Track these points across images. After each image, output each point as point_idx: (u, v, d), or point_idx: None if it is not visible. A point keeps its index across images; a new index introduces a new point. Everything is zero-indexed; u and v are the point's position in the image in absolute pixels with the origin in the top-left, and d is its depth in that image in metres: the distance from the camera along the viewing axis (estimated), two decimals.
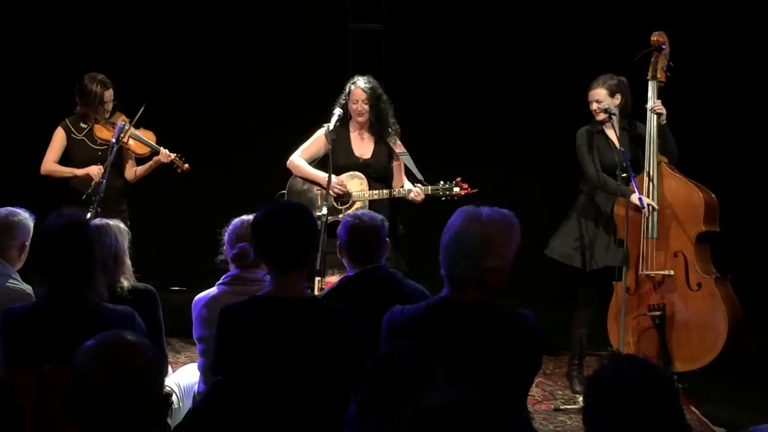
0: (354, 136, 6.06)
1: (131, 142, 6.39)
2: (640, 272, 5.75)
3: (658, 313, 5.71)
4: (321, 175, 5.99)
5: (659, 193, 5.77)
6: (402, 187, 6.01)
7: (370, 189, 5.96)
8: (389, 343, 3.13)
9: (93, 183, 6.17)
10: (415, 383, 2.62)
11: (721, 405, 5.66)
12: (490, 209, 3.12)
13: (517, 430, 1.90)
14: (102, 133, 6.37)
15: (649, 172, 5.77)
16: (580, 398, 5.70)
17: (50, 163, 6.41)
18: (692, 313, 5.70)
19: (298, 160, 6.10)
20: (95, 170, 6.24)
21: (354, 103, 5.99)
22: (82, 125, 6.40)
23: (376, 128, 6.04)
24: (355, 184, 5.97)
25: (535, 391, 5.84)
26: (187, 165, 6.46)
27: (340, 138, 6.01)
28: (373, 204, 5.86)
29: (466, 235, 3.06)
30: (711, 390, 5.84)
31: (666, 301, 5.73)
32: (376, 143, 6.06)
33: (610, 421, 2.21)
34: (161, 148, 6.42)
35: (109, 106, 6.39)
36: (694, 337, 5.68)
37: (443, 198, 5.85)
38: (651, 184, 5.75)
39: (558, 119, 6.34)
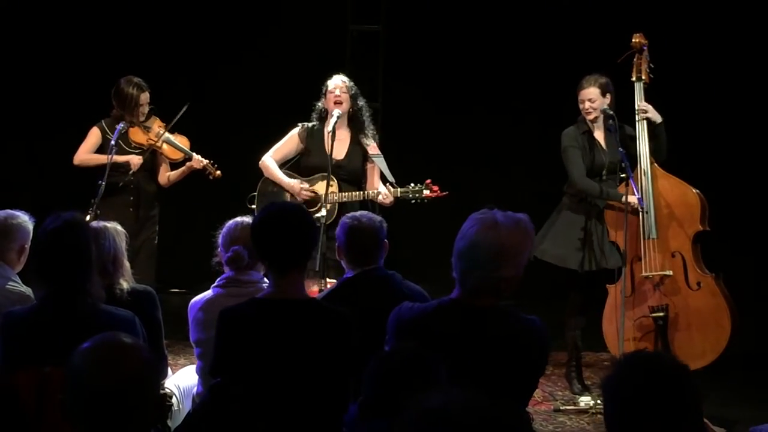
0: (329, 136, 6.04)
1: (165, 146, 6.42)
2: (641, 273, 5.74)
3: (661, 314, 5.69)
4: (287, 182, 6.04)
5: (654, 193, 5.76)
6: (374, 189, 5.95)
7: (340, 191, 5.91)
8: (395, 339, 3.13)
9: (131, 173, 6.23)
10: (417, 384, 2.62)
11: (721, 405, 5.66)
12: (504, 216, 3.07)
13: (518, 431, 1.90)
14: (137, 136, 6.38)
15: (641, 173, 5.77)
16: (580, 399, 5.72)
17: (84, 153, 6.39)
18: (694, 312, 5.70)
19: (269, 161, 6.12)
20: (135, 159, 6.27)
21: (331, 93, 6.00)
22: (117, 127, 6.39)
23: (354, 127, 6.03)
24: (323, 186, 5.91)
25: (534, 392, 5.83)
26: (219, 172, 6.49)
27: (315, 138, 6.00)
28: (342, 207, 5.80)
29: (481, 245, 3.03)
30: (711, 390, 5.84)
31: (668, 302, 5.72)
32: (350, 144, 6.05)
33: (633, 412, 2.20)
34: (194, 154, 6.44)
35: (145, 109, 6.41)
36: (697, 335, 5.68)
37: (413, 201, 5.79)
38: (647, 183, 5.75)
39: (556, 120, 6.33)
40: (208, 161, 6.45)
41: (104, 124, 6.43)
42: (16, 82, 8.46)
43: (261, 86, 8.53)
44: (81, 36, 8.37)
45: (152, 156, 6.41)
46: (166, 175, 6.56)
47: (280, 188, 6.09)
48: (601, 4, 8.06)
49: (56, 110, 8.26)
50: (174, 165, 6.56)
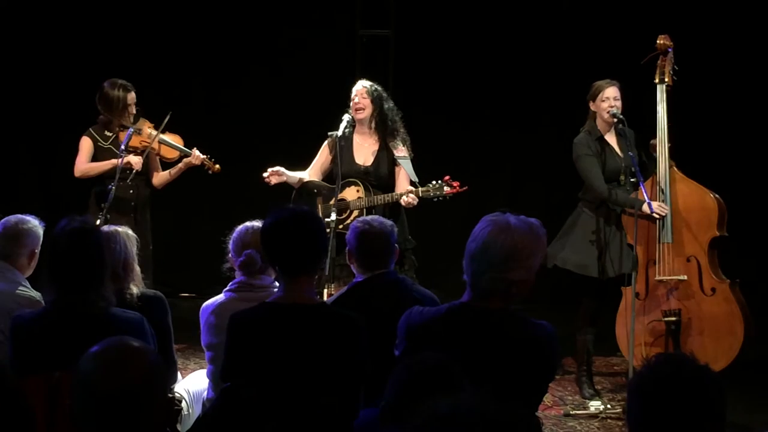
0: (357, 143, 6.00)
1: (160, 147, 6.34)
2: (656, 277, 5.72)
3: (674, 318, 5.68)
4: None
5: (672, 197, 5.75)
6: (404, 192, 5.80)
7: (370, 196, 5.85)
8: (406, 343, 3.13)
9: (134, 171, 6.17)
10: (440, 392, 2.61)
11: (733, 410, 5.61)
12: (517, 219, 3.07)
13: None
14: (130, 140, 6.29)
15: (658, 176, 5.76)
16: (590, 404, 5.70)
17: (83, 164, 6.32)
18: (707, 317, 5.69)
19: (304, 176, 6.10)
20: (135, 159, 6.20)
21: (353, 100, 5.95)
22: (107, 133, 6.33)
23: (380, 132, 5.99)
24: (351, 192, 5.91)
25: (544, 397, 5.82)
26: (218, 166, 6.43)
27: (344, 145, 5.94)
28: (370, 213, 5.70)
29: (494, 246, 3.02)
30: None
31: (681, 306, 5.71)
32: (379, 150, 5.98)
33: (656, 413, 2.20)
34: (193, 150, 6.38)
35: (133, 109, 6.33)
36: (709, 341, 5.67)
37: (435, 200, 5.69)
38: (660, 189, 5.74)
39: (565, 124, 6.33)
40: (205, 156, 6.41)
41: (93, 132, 6.35)
42: (27, 90, 8.49)
43: (270, 91, 8.53)
44: (91, 46, 8.38)
45: (145, 160, 6.30)
46: (159, 176, 6.49)
47: (313, 201, 6.03)
48: (611, 12, 8.05)
49: (66, 117, 8.28)
50: (166, 165, 6.49)
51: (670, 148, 5.76)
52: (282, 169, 5.99)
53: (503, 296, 3.07)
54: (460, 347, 2.95)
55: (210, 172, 6.44)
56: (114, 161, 6.20)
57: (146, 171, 6.41)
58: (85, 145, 6.34)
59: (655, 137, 5.76)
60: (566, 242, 5.99)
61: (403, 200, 5.70)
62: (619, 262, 5.84)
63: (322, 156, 6.10)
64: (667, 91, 5.84)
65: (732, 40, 7.90)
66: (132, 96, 6.33)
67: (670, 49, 5.89)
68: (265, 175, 5.98)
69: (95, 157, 6.33)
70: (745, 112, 7.97)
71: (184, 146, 6.42)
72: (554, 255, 5.99)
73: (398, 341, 3.19)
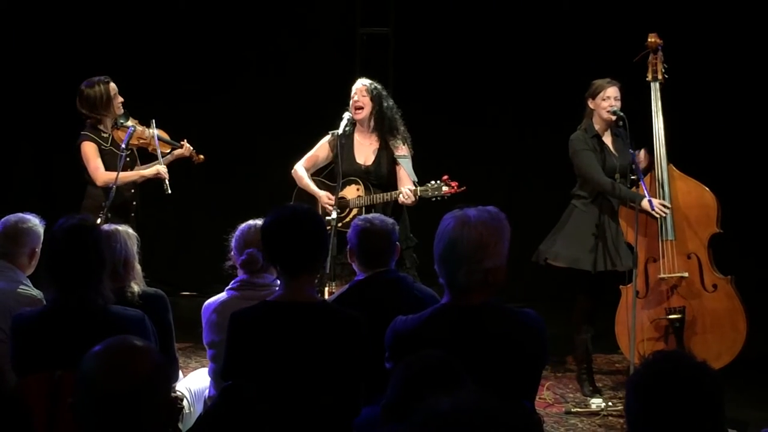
0: (357, 142, 6.00)
1: (157, 143, 6.30)
2: (658, 275, 5.72)
3: (678, 316, 5.69)
4: (316, 190, 5.98)
5: (671, 194, 5.75)
6: (401, 191, 5.79)
7: (369, 194, 5.84)
8: (394, 354, 3.14)
9: (167, 181, 6.08)
10: (442, 390, 2.61)
11: (732, 406, 5.62)
12: (476, 210, 3.12)
13: None
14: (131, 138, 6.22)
15: (658, 174, 5.77)
16: (591, 401, 5.71)
17: (106, 173, 6.06)
18: (710, 314, 5.70)
19: (300, 169, 6.07)
20: (163, 169, 6.12)
21: (353, 98, 5.95)
22: (104, 135, 6.18)
23: (380, 131, 5.99)
24: (351, 190, 5.91)
25: (546, 395, 5.83)
26: (201, 156, 6.44)
27: (344, 144, 5.94)
28: (369, 211, 5.70)
29: (460, 241, 3.06)
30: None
31: (685, 304, 5.71)
32: (379, 149, 5.98)
33: (656, 410, 2.21)
34: (182, 141, 6.37)
35: (119, 99, 6.16)
36: (712, 338, 5.68)
37: (434, 199, 5.68)
38: (659, 186, 5.74)
39: (564, 123, 6.32)
40: (191, 148, 6.42)
41: (91, 135, 6.15)
42: (27, 89, 8.49)
43: (270, 89, 8.53)
44: (91, 45, 8.38)
45: (129, 157, 6.19)
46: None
47: (314, 198, 6.01)
48: (611, 12, 8.05)
49: (66, 116, 8.26)
50: (146, 158, 6.40)
51: (666, 146, 5.77)
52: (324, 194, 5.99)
53: (482, 288, 3.10)
54: (450, 348, 2.96)
55: (195, 162, 6.46)
56: (142, 172, 6.14)
57: (131, 168, 6.23)
58: (93, 150, 6.12)
59: (641, 150, 5.76)
60: (557, 237, 5.97)
61: (399, 198, 5.71)
62: (613, 257, 5.84)
63: (321, 152, 6.08)
64: (660, 89, 5.87)
65: (725, 38, 7.89)
66: (113, 86, 6.15)
67: (660, 47, 5.91)
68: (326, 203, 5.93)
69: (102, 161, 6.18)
70: (734, 109, 7.97)
71: (172, 139, 6.41)
72: (546, 251, 5.97)
73: (387, 354, 3.20)
